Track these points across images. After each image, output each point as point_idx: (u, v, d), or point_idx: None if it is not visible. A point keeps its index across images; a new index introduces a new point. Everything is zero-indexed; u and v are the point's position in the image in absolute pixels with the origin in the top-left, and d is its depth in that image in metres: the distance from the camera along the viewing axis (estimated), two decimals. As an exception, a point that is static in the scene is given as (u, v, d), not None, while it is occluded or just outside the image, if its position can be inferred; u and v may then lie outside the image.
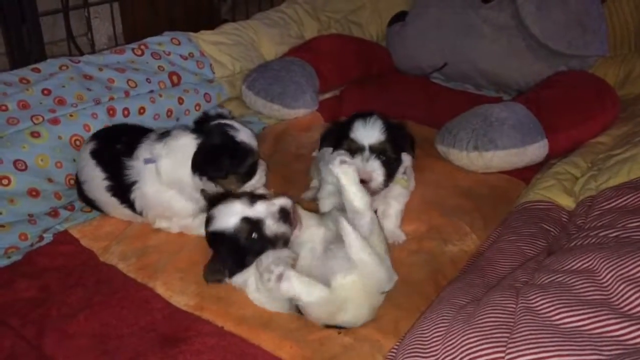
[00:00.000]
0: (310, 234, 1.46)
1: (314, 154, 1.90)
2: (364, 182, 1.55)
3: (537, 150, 2.05)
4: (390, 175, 1.64)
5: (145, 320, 1.42)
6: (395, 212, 1.76)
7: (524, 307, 1.13)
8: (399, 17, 3.12)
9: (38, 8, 2.45)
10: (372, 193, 1.60)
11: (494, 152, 2.00)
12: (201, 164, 1.58)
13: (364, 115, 1.66)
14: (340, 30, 3.13)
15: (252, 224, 1.39)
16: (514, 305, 1.15)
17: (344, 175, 1.41)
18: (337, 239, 1.37)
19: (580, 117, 2.17)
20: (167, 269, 1.58)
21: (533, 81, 2.59)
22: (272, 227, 1.39)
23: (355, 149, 1.60)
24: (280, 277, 1.28)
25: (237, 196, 1.46)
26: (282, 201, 1.44)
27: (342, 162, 1.42)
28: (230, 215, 1.40)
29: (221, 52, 2.59)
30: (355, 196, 1.41)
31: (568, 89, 2.32)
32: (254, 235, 1.40)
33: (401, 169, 1.72)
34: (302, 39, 2.95)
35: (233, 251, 1.41)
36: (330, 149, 1.70)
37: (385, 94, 2.72)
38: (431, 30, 2.88)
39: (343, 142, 1.62)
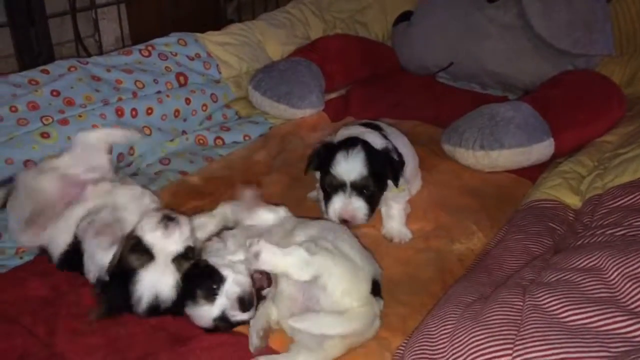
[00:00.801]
0: (287, 284, 1.34)
1: None
2: (345, 221, 1.56)
3: (543, 150, 2.06)
4: (373, 208, 1.61)
5: (155, 319, 1.43)
6: (397, 212, 1.75)
7: (531, 304, 1.13)
8: (405, 17, 3.12)
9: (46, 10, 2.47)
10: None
11: (500, 151, 2.01)
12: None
13: (347, 145, 1.59)
14: (345, 30, 3.14)
15: (224, 319, 1.35)
16: (521, 303, 1.16)
17: (264, 265, 1.28)
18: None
19: (586, 116, 2.18)
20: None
21: (539, 80, 2.59)
22: (236, 317, 1.35)
23: (336, 185, 1.57)
24: None
25: (196, 291, 1.36)
26: (237, 290, 1.34)
27: (255, 254, 1.27)
28: (205, 320, 1.36)
29: (227, 52, 2.60)
30: (293, 273, 1.27)
31: (574, 88, 2.33)
32: (229, 321, 1.36)
33: (387, 193, 1.68)
34: (308, 39, 2.96)
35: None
36: (317, 173, 1.70)
37: (391, 94, 2.73)
38: (437, 29, 2.89)
39: (325, 177, 1.60)
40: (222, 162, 2.17)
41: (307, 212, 1.84)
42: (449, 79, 2.96)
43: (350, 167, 1.55)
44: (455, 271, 1.61)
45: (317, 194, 1.88)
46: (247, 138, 2.35)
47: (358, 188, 1.56)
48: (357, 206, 1.56)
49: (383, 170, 1.60)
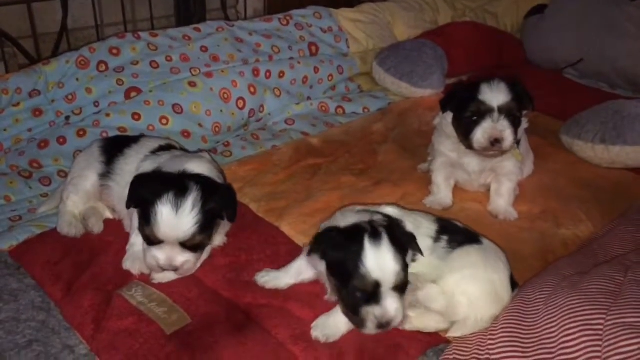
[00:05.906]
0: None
1: (435, 121, 1.97)
2: (497, 141, 1.66)
3: (669, 151, 1.99)
4: (516, 132, 1.71)
5: (271, 250, 1.60)
6: (507, 189, 1.80)
7: (633, 279, 1.16)
8: (537, 10, 3.09)
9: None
10: (502, 152, 1.71)
11: (621, 147, 1.97)
12: None
13: (486, 78, 1.72)
14: (474, 19, 3.15)
15: None
16: (622, 278, 1.18)
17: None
18: None
19: None
20: (293, 213, 1.76)
21: (675, 84, 2.48)
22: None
23: (484, 111, 1.68)
24: None
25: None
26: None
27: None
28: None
29: (358, 29, 2.74)
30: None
31: None
32: None
33: (520, 131, 1.77)
34: (435, 25, 3.02)
35: None
36: (451, 115, 1.78)
37: (513, 84, 2.72)
38: (571, 24, 2.83)
39: (470, 104, 1.70)
40: (341, 128, 2.31)
41: (415, 182, 1.95)
42: (576, 75, 2.89)
43: (496, 93, 1.68)
44: (558, 253, 1.63)
45: (427, 165, 1.96)
46: (366, 110, 2.47)
47: (505, 111, 1.67)
48: (506, 126, 1.67)
49: (521, 96, 1.71)
